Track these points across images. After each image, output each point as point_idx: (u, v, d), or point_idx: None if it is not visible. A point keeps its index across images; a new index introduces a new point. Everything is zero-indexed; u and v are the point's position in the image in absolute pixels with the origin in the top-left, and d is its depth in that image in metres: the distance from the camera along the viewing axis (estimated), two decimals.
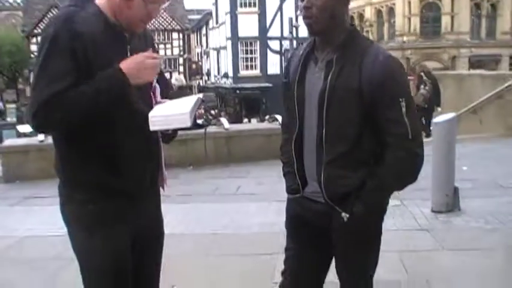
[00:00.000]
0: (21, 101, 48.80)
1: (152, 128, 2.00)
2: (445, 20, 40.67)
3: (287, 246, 2.42)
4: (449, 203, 5.60)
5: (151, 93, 2.18)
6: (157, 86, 2.21)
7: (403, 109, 2.05)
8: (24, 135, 19.88)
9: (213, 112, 11.74)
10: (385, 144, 2.10)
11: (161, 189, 2.36)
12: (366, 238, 2.24)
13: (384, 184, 2.12)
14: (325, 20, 2.09)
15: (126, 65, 1.97)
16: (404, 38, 41.57)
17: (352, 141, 2.10)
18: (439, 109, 13.28)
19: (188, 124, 2.00)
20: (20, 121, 29.31)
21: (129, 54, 2.08)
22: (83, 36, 1.93)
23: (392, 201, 5.84)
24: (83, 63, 1.93)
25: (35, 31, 51.79)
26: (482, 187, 6.79)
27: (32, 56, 50.62)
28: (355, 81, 2.05)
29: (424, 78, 14.09)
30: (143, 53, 2.02)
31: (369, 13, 46.32)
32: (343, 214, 2.14)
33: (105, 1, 2.06)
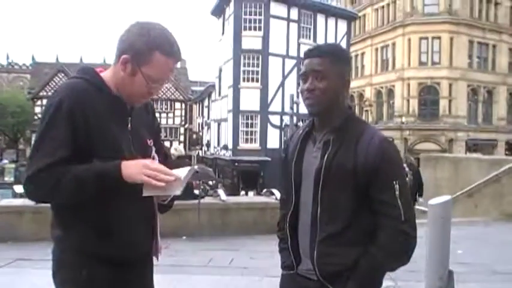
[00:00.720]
0: (20, 161, 48.86)
1: (145, 193, 2.01)
2: (443, 104, 41.48)
3: None
4: (443, 286, 5.51)
5: None
6: (156, 156, 2.25)
7: (397, 192, 2.09)
8: (20, 195, 19.77)
9: (210, 183, 11.75)
10: (379, 225, 2.12)
11: (154, 259, 2.35)
12: None
13: (376, 264, 2.12)
14: (326, 102, 2.19)
15: (125, 163, 1.98)
16: (403, 119, 42.24)
17: (345, 221, 2.13)
18: (421, 199, 13.19)
19: (179, 192, 2.03)
20: (18, 181, 29.21)
21: (129, 125, 2.14)
22: (86, 106, 2.00)
23: (386, 283, 5.75)
24: (82, 132, 1.98)
25: (41, 94, 52.64)
26: (477, 272, 6.72)
27: (36, 118, 51.26)
28: (350, 163, 2.11)
29: (406, 169, 14.17)
30: (146, 160, 2.02)
31: (368, 93, 47.31)
32: None
33: (110, 75, 2.14)
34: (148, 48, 2.03)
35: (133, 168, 1.97)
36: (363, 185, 2.11)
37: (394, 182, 2.09)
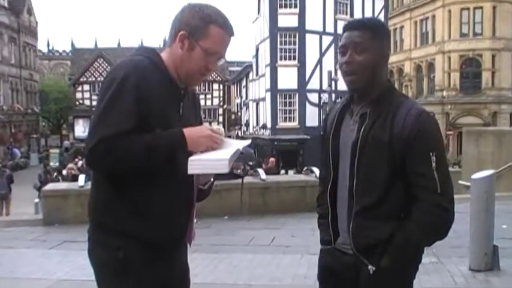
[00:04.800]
0: (64, 146, 50.03)
1: (190, 171, 2.00)
2: (486, 76, 40.41)
3: None
4: (488, 262, 5.45)
5: None
6: None
7: (433, 164, 2.06)
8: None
9: (250, 163, 11.78)
10: (414, 199, 2.11)
11: (188, 245, 2.36)
12: None
13: (411, 238, 2.10)
14: (366, 76, 2.16)
15: (189, 132, 2.04)
16: (444, 93, 41.38)
17: (381, 193, 2.12)
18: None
19: (226, 170, 2.02)
20: (62, 166, 29.88)
21: (181, 111, 2.18)
22: (148, 85, 2.03)
23: (429, 258, 5.71)
24: (145, 109, 2.00)
25: (81, 79, 53.57)
26: None
27: (77, 103, 52.30)
28: (386, 135, 2.10)
29: None
30: (208, 127, 2.08)
31: (408, 68, 46.47)
32: (370, 267, 2.14)
33: (168, 54, 2.17)
34: (204, 22, 2.10)
35: (197, 133, 2.05)
36: (399, 157, 2.09)
37: (431, 154, 2.07)
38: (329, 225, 2.31)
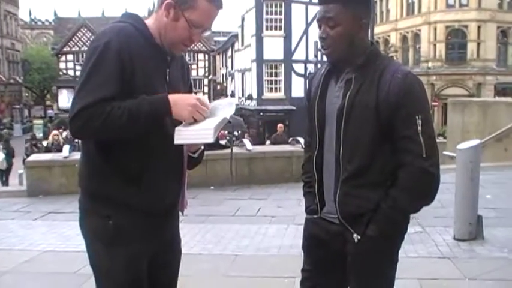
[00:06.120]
0: (48, 117, 49.51)
1: (177, 141, 2.00)
2: (471, 47, 40.45)
3: (303, 267, 2.41)
4: (473, 231, 5.50)
5: None
6: None
7: (419, 127, 2.03)
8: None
9: (236, 133, 11.70)
10: (400, 164, 2.08)
11: (180, 213, 2.35)
12: (379, 263, 2.19)
13: (397, 205, 2.08)
14: (342, 49, 2.13)
15: (174, 98, 1.99)
16: (430, 64, 41.42)
17: (368, 160, 2.10)
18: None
19: (211, 140, 2.00)
20: (46, 137, 29.64)
21: (168, 77, 2.14)
22: (132, 49, 1.99)
23: (414, 228, 5.74)
24: (128, 75, 1.98)
25: (65, 49, 52.79)
26: (506, 216, 6.65)
27: (61, 73, 51.60)
28: (373, 99, 2.06)
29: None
30: (195, 96, 2.02)
31: (394, 39, 46.34)
32: (355, 235, 2.12)
33: (154, 20, 2.13)
34: None
35: (183, 100, 1.99)
36: (385, 122, 2.06)
37: (417, 117, 2.04)
38: (315, 193, 2.28)
